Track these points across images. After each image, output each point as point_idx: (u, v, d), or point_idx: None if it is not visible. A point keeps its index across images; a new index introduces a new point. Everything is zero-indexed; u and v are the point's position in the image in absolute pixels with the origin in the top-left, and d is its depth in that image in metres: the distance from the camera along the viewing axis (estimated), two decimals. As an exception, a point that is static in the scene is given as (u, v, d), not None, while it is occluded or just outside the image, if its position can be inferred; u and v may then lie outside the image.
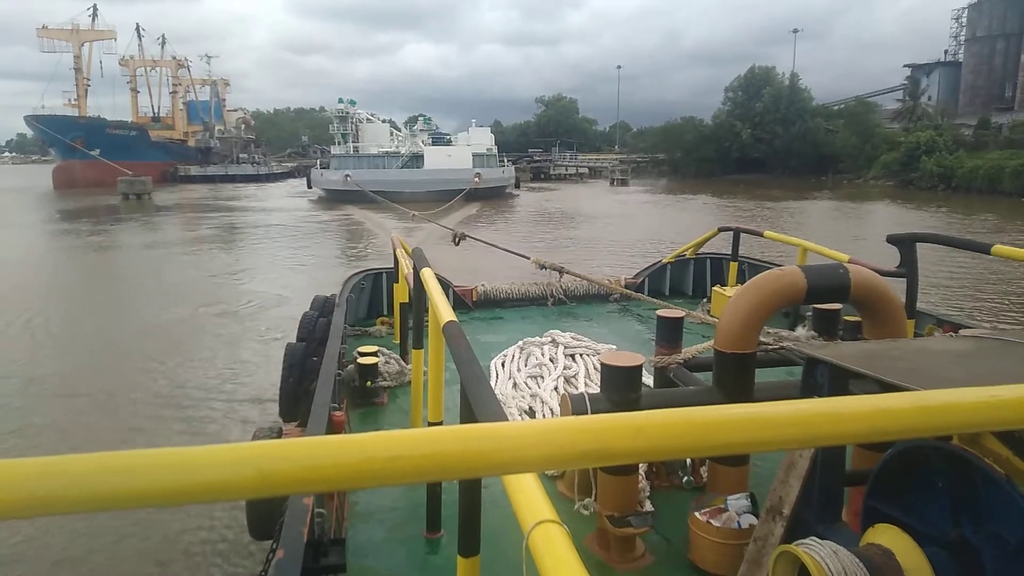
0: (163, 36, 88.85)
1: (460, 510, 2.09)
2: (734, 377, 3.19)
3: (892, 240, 4.77)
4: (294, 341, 5.44)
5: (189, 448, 0.73)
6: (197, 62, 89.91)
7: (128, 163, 58.82)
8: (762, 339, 3.30)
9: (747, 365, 3.18)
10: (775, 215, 33.76)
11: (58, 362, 10.19)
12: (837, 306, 4.08)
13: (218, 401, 8.24)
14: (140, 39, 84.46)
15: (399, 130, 55.81)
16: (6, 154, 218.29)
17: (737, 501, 2.99)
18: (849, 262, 4.20)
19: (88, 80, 74.24)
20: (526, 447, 0.84)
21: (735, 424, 0.92)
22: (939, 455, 1.93)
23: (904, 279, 4.58)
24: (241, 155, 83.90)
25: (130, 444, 7.12)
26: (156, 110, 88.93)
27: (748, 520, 2.89)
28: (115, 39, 77.41)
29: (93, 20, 74.77)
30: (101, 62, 77.05)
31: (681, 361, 3.82)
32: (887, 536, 1.98)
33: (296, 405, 4.70)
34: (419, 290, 3.80)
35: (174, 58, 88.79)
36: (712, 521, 2.93)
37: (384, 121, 57.50)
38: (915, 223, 30.44)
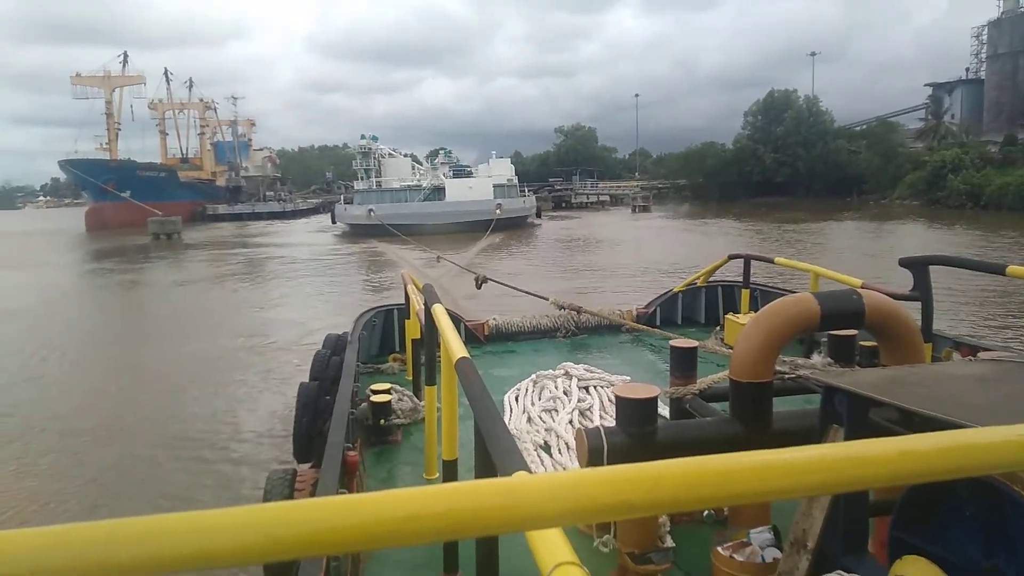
0: (190, 80, 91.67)
1: (478, 552, 2.07)
2: (751, 407, 3.09)
3: (905, 263, 4.68)
4: (307, 380, 5.43)
5: (196, 513, 0.73)
6: (224, 104, 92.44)
7: (158, 204, 60.29)
8: (778, 367, 3.21)
9: (764, 394, 3.09)
10: (800, 238, 33.43)
11: (80, 395, 10.33)
12: (853, 332, 3.98)
13: (234, 440, 8.25)
14: (168, 83, 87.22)
15: (420, 164, 56.63)
16: (41, 198, 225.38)
17: (760, 535, 2.89)
18: (862, 287, 4.10)
19: (119, 124, 76.56)
20: (544, 502, 0.83)
21: (756, 472, 0.89)
22: (966, 483, 1.84)
23: (919, 302, 4.49)
24: (267, 193, 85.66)
25: (144, 481, 7.16)
26: (184, 151, 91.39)
27: (772, 554, 2.78)
28: (144, 84, 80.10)
29: (123, 66, 77.45)
30: (131, 106, 79.61)
31: (697, 392, 3.72)
32: (916, 568, 1.91)
33: (310, 445, 4.67)
34: (430, 326, 3.77)
35: (201, 100, 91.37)
36: (735, 556, 2.82)
37: (406, 155, 58.44)
38: (943, 242, 29.94)
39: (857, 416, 2.33)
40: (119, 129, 76.67)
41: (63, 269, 32.59)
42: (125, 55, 77.98)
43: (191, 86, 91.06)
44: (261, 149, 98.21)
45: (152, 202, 60.79)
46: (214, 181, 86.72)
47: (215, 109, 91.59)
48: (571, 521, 0.88)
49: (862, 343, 4.10)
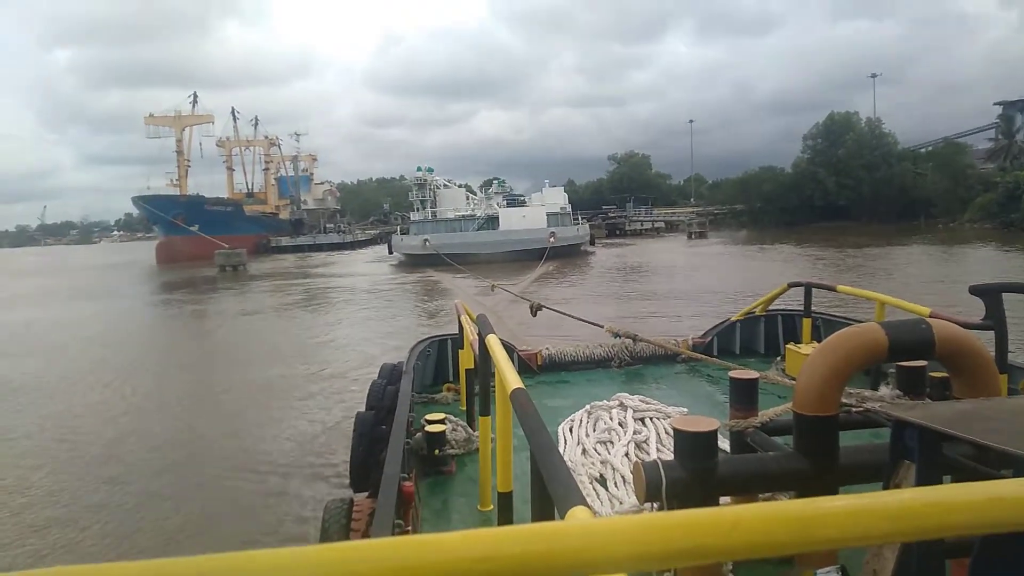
0: (256, 118, 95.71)
1: None
2: (816, 441, 2.97)
3: (976, 291, 4.45)
4: (363, 410, 5.49)
5: (256, 552, 0.72)
6: (287, 140, 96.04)
7: (225, 237, 62.65)
8: (844, 400, 3.09)
9: (829, 428, 2.96)
10: (863, 263, 32.34)
11: (148, 421, 10.70)
12: (922, 363, 3.80)
13: (293, 467, 8.39)
14: (235, 121, 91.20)
15: (475, 194, 57.41)
16: (115, 232, 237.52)
17: (828, 575, 2.76)
18: (931, 315, 3.90)
19: (189, 161, 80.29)
20: (613, 545, 0.80)
21: (840, 518, 0.85)
22: None
23: (992, 332, 4.26)
24: (328, 225, 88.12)
25: (204, 509, 7.33)
26: (250, 186, 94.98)
27: (840, 597, 2.65)
28: (213, 123, 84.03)
29: (193, 107, 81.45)
30: (200, 144, 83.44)
31: (758, 425, 3.60)
32: (997, 614, 1.77)
33: (366, 475, 4.71)
34: (484, 356, 3.77)
35: (266, 137, 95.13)
36: (801, 599, 2.70)
37: (460, 186, 59.37)
38: (1017, 267, 28.51)
39: (930, 452, 2.21)
40: (189, 166, 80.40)
41: (136, 300, 34.16)
42: (195, 96, 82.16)
43: (256, 124, 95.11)
44: (322, 183, 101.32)
45: (219, 235, 63.21)
46: (278, 214, 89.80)
47: (279, 145, 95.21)
48: (643, 566, 0.84)
49: (932, 374, 3.91)
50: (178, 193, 76.12)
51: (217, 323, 24.47)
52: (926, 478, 2.18)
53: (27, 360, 16.85)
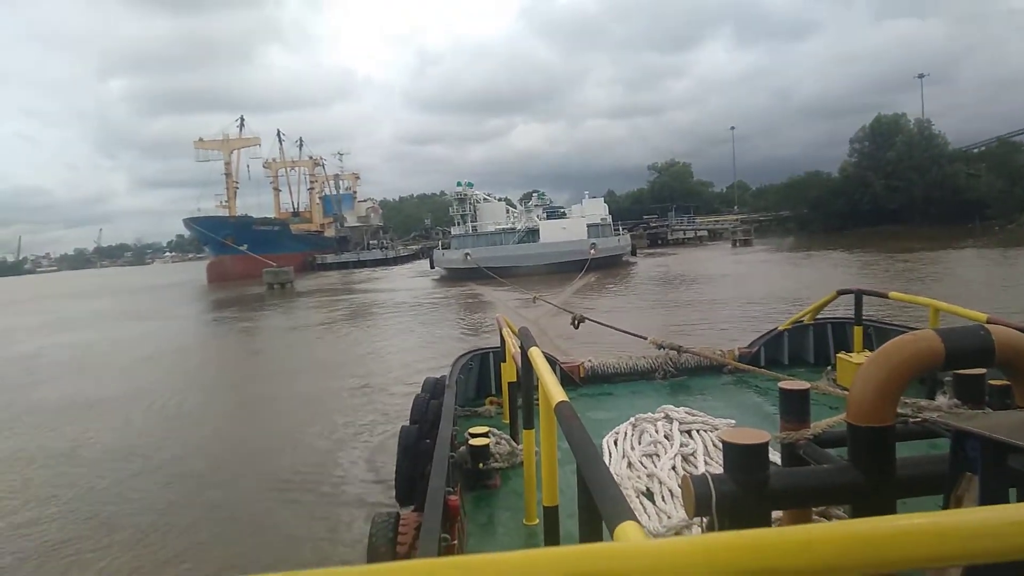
0: (300, 139, 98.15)
1: None
2: (872, 453, 2.87)
3: None
4: (408, 424, 5.53)
5: (294, 573, 0.72)
6: (331, 159, 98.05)
7: (272, 255, 64.16)
8: (899, 410, 2.98)
9: (885, 440, 2.86)
10: (915, 268, 31.35)
11: (199, 436, 10.98)
12: (981, 371, 3.66)
13: (339, 481, 8.48)
14: (281, 143, 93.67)
15: (514, 207, 57.63)
16: (167, 253, 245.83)
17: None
18: (988, 321, 3.74)
19: (237, 183, 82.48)
20: (677, 567, 0.77)
21: (918, 537, 0.82)
22: None
23: None
24: (371, 241, 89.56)
25: (252, 523, 7.45)
26: (296, 205, 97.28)
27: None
28: (259, 145, 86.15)
29: (240, 130, 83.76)
30: (248, 166, 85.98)
31: (811, 436, 3.50)
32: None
33: (412, 489, 4.73)
34: (527, 369, 3.76)
35: (311, 158, 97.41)
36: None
37: (500, 199, 59.67)
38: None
39: (993, 463, 2.11)
40: (237, 187, 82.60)
41: (189, 319, 35.15)
42: (242, 119, 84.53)
43: (301, 145, 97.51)
44: (365, 200, 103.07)
45: (267, 254, 64.74)
46: (323, 232, 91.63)
47: (323, 165, 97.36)
48: None
49: (991, 382, 3.75)
50: (227, 214, 78.21)
51: (266, 339, 25.02)
52: (991, 491, 2.09)
53: (90, 379, 17.50)
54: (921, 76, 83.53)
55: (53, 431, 12.17)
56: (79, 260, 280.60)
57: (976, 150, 72.66)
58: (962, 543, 0.81)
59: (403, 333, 22.30)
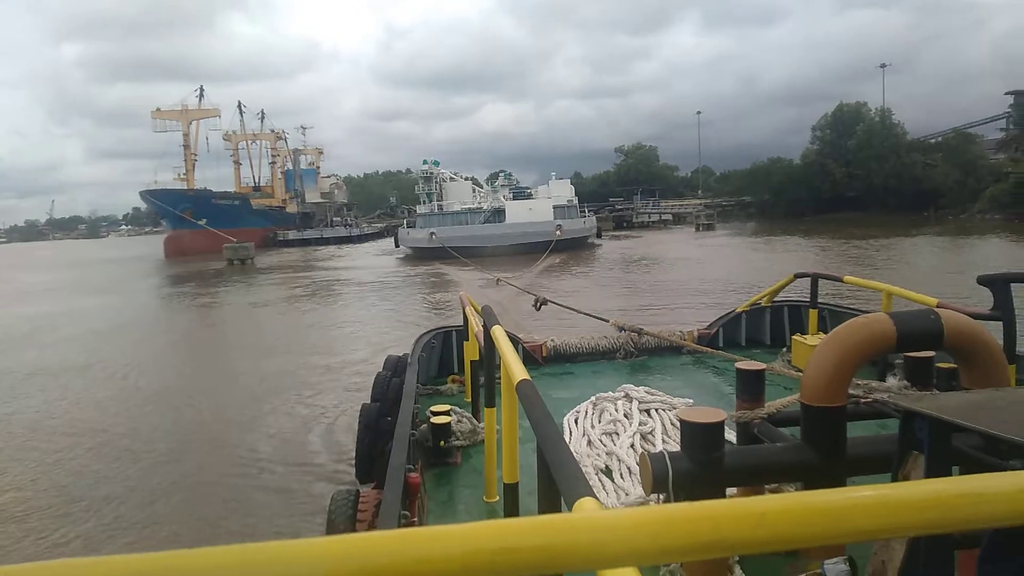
0: (262, 111, 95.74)
1: None
2: (824, 432, 2.96)
3: (983, 281, 4.43)
4: (368, 402, 5.50)
5: (261, 544, 0.71)
6: (293, 133, 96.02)
7: (232, 230, 62.93)
8: (851, 391, 3.06)
9: (838, 419, 2.94)
10: (871, 254, 32.20)
11: (155, 411, 10.77)
12: (930, 354, 3.78)
13: (298, 458, 8.41)
14: (242, 115, 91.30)
15: (481, 187, 57.42)
16: (123, 227, 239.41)
17: (835, 566, 2.73)
18: (938, 306, 3.86)
19: (195, 155, 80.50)
20: (635, 537, 0.77)
21: (870, 509, 0.83)
22: None
23: (1000, 322, 4.22)
24: (335, 219, 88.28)
25: (209, 497, 7.36)
26: (257, 180, 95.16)
27: (847, 587, 2.63)
28: (219, 116, 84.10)
29: (200, 100, 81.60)
30: (207, 138, 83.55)
31: (765, 416, 3.58)
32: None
33: (372, 466, 4.72)
34: (490, 348, 3.76)
35: (273, 131, 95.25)
36: (808, 590, 2.69)
37: (467, 179, 59.31)
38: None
39: (939, 442, 2.18)
40: (196, 160, 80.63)
41: (146, 293, 34.32)
42: (201, 90, 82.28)
43: (263, 117, 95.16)
44: (328, 176, 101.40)
45: (227, 229, 63.45)
46: (284, 208, 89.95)
47: (285, 139, 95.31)
48: (664, 558, 0.82)
49: (939, 365, 3.89)
50: (185, 187, 76.36)
51: (226, 315, 24.61)
52: (935, 469, 2.16)
53: (47, 351, 17.06)
54: (883, 66, 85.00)
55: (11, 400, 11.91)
56: (31, 232, 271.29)
57: (933, 140, 74.52)
58: (908, 515, 0.83)
59: (366, 311, 22.13)
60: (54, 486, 7.99)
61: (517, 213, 48.19)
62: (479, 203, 52.06)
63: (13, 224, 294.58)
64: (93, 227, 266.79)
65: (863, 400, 3.35)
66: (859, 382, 3.97)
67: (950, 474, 2.26)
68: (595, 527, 0.78)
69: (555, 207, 49.02)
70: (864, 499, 0.83)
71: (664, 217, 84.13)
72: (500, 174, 61.79)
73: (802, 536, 0.82)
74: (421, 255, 44.99)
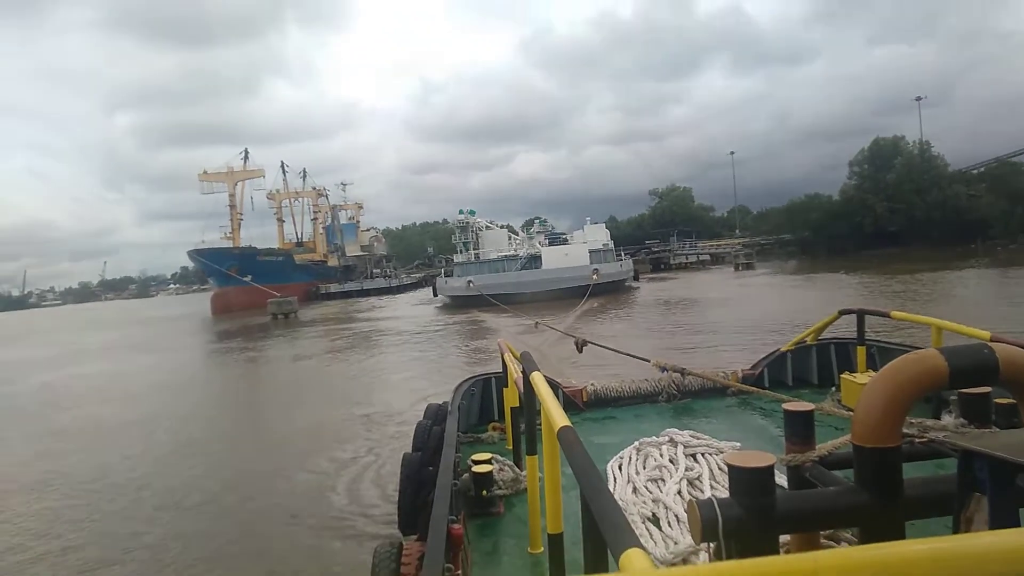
0: (304, 170, 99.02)
1: None
2: (879, 474, 2.83)
3: None
4: (410, 451, 5.48)
5: None
6: (334, 190, 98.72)
7: (276, 285, 64.32)
8: (905, 430, 2.95)
9: (892, 461, 2.82)
10: (917, 289, 31.30)
11: (201, 463, 10.91)
12: (986, 389, 3.63)
13: (341, 509, 8.40)
14: (284, 175, 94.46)
15: (516, 234, 57.91)
16: (171, 285, 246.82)
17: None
18: (991, 339, 3.71)
19: (241, 214, 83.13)
20: None
21: (926, 564, 0.80)
22: None
23: None
24: (375, 270, 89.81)
25: (257, 551, 7.36)
26: (299, 236, 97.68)
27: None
28: (263, 177, 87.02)
29: (244, 162, 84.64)
30: (251, 198, 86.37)
31: (817, 459, 3.46)
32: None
33: (415, 517, 4.67)
34: (530, 394, 3.74)
35: (314, 188, 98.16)
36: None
37: (502, 227, 59.94)
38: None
39: (1002, 483, 2.07)
40: (241, 219, 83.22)
41: (195, 350, 35.23)
42: (246, 152, 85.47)
43: (305, 176, 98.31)
44: (368, 229, 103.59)
45: (271, 284, 64.90)
46: (326, 262, 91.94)
47: (327, 195, 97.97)
48: None
49: (997, 401, 3.73)
50: (231, 245, 78.64)
51: (272, 368, 25.02)
52: (1000, 511, 2.05)
53: (107, 407, 17.59)
54: (918, 99, 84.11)
55: (77, 454, 12.39)
56: (84, 293, 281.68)
57: (975, 171, 73.00)
58: (966, 569, 0.79)
59: (406, 361, 22.26)
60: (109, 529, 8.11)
61: (553, 259, 48.36)
62: (515, 250, 52.49)
63: (68, 286, 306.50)
64: (143, 286, 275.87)
65: (918, 440, 3.22)
66: (913, 420, 3.82)
67: (1016, 515, 2.15)
68: None
69: (591, 251, 49.08)
70: (920, 552, 0.80)
71: (702, 258, 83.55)
72: (535, 221, 62.31)
73: None
74: (459, 303, 45.28)
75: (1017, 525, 1.83)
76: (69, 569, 7.41)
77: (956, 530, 2.02)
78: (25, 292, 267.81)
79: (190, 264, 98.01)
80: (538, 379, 3.25)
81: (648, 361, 7.16)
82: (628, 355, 7.70)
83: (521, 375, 4.17)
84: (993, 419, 3.76)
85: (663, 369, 7.01)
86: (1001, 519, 2.06)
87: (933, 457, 3.29)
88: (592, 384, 7.28)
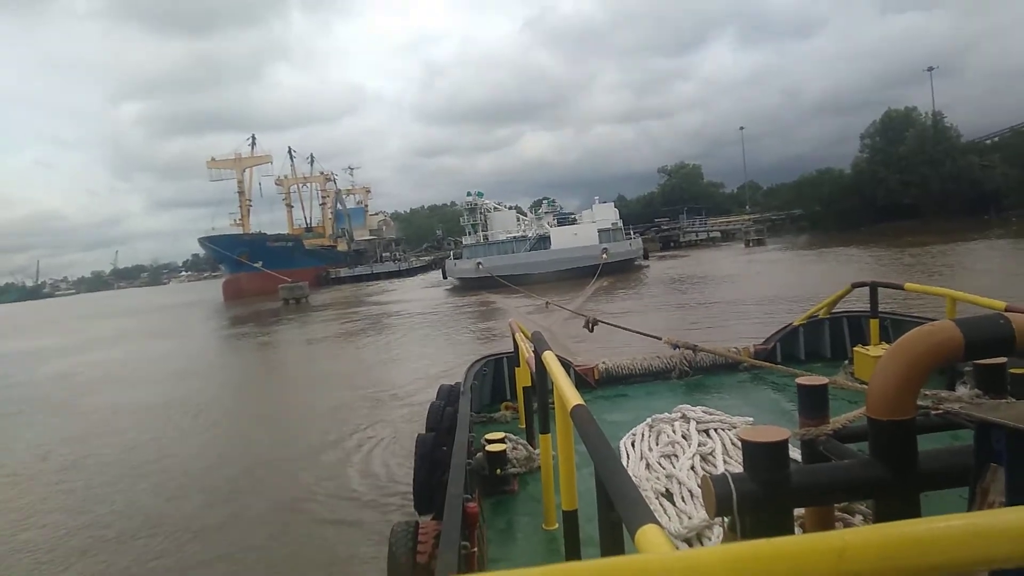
0: (311, 155, 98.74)
1: None
2: (894, 447, 2.82)
3: None
4: (424, 432, 5.52)
5: None
6: (342, 174, 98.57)
7: (287, 271, 64.64)
8: (920, 402, 2.94)
9: (907, 433, 2.80)
10: (930, 261, 31.04)
11: (216, 447, 11.11)
12: (1002, 360, 3.60)
13: (356, 490, 8.49)
14: (292, 160, 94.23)
15: (525, 215, 57.78)
16: (183, 273, 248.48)
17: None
18: (1007, 310, 3.68)
19: (250, 201, 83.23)
20: None
21: (958, 540, 0.78)
22: None
23: None
24: (384, 254, 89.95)
25: (272, 533, 7.46)
26: (308, 221, 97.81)
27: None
28: (271, 163, 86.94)
29: (252, 148, 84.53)
30: (260, 184, 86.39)
31: (831, 432, 3.45)
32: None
33: (430, 497, 4.72)
34: (541, 373, 3.75)
35: (322, 173, 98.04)
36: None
37: (510, 208, 59.75)
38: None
39: (1019, 453, 2.06)
40: (250, 205, 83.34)
41: (209, 336, 35.60)
42: (253, 138, 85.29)
43: (312, 161, 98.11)
44: (376, 214, 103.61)
45: (282, 270, 65.21)
46: (336, 246, 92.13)
47: (334, 180, 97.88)
48: None
49: (1012, 371, 3.70)
50: (241, 232, 78.90)
51: (285, 352, 25.30)
52: (1018, 481, 2.04)
53: (124, 393, 17.82)
54: (930, 69, 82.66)
55: (102, 437, 12.69)
56: (96, 282, 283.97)
57: (989, 141, 71.91)
58: (1002, 545, 0.77)
59: (417, 342, 22.37)
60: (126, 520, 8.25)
61: (562, 239, 48.24)
62: (524, 231, 52.37)
63: (80, 276, 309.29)
64: (155, 275, 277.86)
65: (934, 411, 3.21)
66: (927, 392, 3.80)
67: (1034, 486, 2.14)
68: (668, 569, 0.76)
69: (600, 231, 48.91)
70: (951, 529, 0.77)
71: (712, 235, 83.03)
72: (544, 201, 61.99)
73: (887, 570, 0.77)
74: (468, 285, 45.30)
75: (1034, 495, 1.83)
76: (105, 541, 7.72)
77: (972, 501, 2.02)
78: (39, 282, 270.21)
79: (201, 251, 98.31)
80: (550, 358, 3.26)
81: (660, 339, 7.14)
82: (639, 333, 7.69)
83: (533, 355, 4.18)
84: (1008, 389, 3.73)
85: (675, 346, 6.99)
86: (1018, 489, 2.05)
87: (948, 428, 3.28)
88: (604, 362, 7.28)
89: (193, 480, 9.77)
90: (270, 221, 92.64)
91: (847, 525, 3.10)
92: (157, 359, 25.26)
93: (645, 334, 7.61)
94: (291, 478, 9.37)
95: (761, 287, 26.84)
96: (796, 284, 26.02)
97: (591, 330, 7.80)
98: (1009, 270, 25.21)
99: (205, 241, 76.09)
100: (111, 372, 22.87)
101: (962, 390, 4.01)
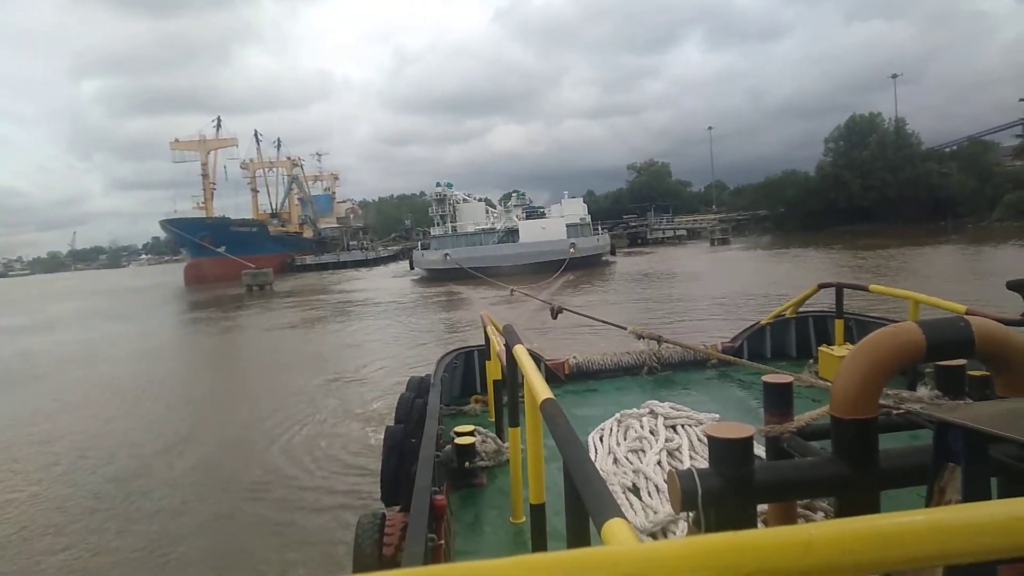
0: (278, 140, 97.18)
1: None
2: (856, 445, 2.90)
3: (1013, 286, 4.35)
4: (392, 424, 5.50)
5: None
6: (309, 160, 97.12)
7: (251, 257, 63.49)
8: (882, 402, 3.02)
9: (869, 432, 2.88)
10: (890, 264, 31.87)
11: (173, 434, 10.87)
12: (961, 362, 3.72)
13: (322, 482, 8.41)
14: (258, 144, 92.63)
15: (494, 207, 57.62)
16: (143, 256, 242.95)
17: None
18: (967, 313, 3.81)
19: (214, 184, 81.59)
20: (674, 570, 0.74)
21: (923, 535, 0.79)
22: None
23: None
24: (351, 242, 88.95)
25: (236, 526, 7.37)
26: (274, 206, 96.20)
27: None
28: (236, 146, 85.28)
29: (217, 131, 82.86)
30: (225, 167, 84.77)
31: (795, 430, 3.53)
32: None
33: (397, 489, 4.70)
34: (512, 367, 3.75)
35: (289, 159, 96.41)
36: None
37: (480, 200, 59.57)
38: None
39: (976, 454, 2.13)
40: (214, 188, 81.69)
41: (168, 319, 34.86)
42: (219, 120, 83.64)
43: (279, 145, 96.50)
44: (344, 201, 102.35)
45: (245, 255, 64.05)
46: (301, 233, 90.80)
47: (301, 166, 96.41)
48: None
49: (970, 373, 3.83)
50: (204, 215, 77.34)
51: (246, 339, 24.84)
52: (974, 481, 2.12)
53: (84, 373, 17.35)
54: (895, 76, 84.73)
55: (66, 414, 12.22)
56: (53, 263, 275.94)
57: (948, 149, 73.97)
58: (963, 539, 0.79)
59: (384, 332, 22.21)
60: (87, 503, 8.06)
61: (530, 232, 48.31)
62: (492, 223, 52.28)
63: (36, 256, 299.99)
64: (114, 257, 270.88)
65: (895, 411, 3.30)
66: (889, 392, 3.91)
67: (988, 486, 2.22)
68: (635, 560, 0.75)
69: (568, 225, 49.09)
70: (916, 524, 0.79)
71: (679, 233, 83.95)
72: (513, 194, 62.01)
73: (851, 564, 0.78)
74: (436, 276, 45.14)
75: (989, 495, 1.89)
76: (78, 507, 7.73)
77: (929, 499, 2.08)
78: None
79: (162, 234, 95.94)
80: (521, 352, 3.27)
81: (624, 328, 7.19)
82: (603, 322, 7.72)
83: (504, 348, 4.18)
84: (967, 391, 3.86)
85: (639, 336, 7.06)
86: (974, 488, 2.12)
87: (909, 428, 3.38)
88: (574, 357, 7.33)
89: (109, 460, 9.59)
90: (235, 206, 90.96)
91: (809, 521, 3.18)
92: (116, 342, 24.66)
93: (609, 323, 7.65)
94: (252, 465, 9.26)
95: (723, 285, 27.28)
96: (760, 283, 26.49)
97: (555, 317, 7.81)
98: (960, 276, 26.01)
99: (167, 224, 74.34)
100: (67, 353, 22.29)
101: (923, 391, 4.14)
